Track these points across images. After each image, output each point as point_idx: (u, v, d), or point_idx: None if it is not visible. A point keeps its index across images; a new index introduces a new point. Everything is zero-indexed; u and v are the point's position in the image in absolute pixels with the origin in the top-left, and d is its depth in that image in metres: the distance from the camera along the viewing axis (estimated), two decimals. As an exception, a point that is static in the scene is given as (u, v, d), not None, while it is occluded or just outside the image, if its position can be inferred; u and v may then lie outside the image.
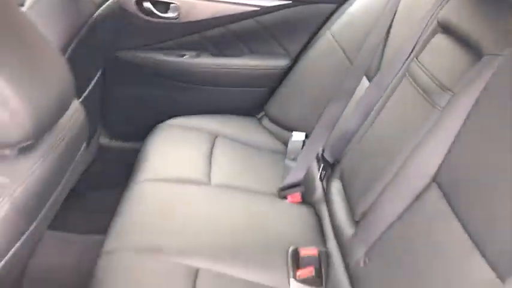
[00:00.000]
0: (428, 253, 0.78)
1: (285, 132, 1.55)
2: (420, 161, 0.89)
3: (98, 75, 1.57)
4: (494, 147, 0.75)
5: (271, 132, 1.60)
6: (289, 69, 1.60)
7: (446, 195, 0.81)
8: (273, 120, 1.62)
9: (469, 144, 0.81)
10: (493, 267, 0.64)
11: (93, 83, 1.53)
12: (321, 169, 1.25)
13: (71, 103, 0.65)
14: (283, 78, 1.61)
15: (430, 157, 0.87)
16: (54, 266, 1.19)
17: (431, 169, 0.85)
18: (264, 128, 1.63)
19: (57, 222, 1.37)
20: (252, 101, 1.66)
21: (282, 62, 1.60)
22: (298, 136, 1.47)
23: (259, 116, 1.69)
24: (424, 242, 0.81)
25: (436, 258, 0.76)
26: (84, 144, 0.77)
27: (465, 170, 0.79)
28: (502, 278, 0.61)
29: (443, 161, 0.84)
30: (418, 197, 0.86)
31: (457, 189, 0.79)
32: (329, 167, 1.24)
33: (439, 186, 0.83)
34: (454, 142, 0.83)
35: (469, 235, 0.71)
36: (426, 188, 0.85)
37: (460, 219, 0.75)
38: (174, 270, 0.96)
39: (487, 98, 0.80)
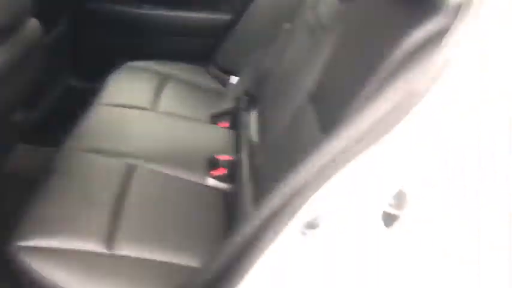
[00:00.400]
0: (294, 146, 1.08)
1: (226, 77, 1.83)
2: (303, 84, 1.18)
3: (67, 22, 1.82)
4: (345, 67, 1.04)
5: (215, 77, 1.88)
6: (233, 23, 1.88)
7: (315, 107, 1.09)
8: (218, 67, 1.89)
9: (331, 66, 1.09)
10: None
11: (62, 28, 1.78)
12: (246, 102, 1.54)
13: (26, 18, 0.92)
14: (227, 31, 1.89)
15: (309, 79, 1.15)
16: (24, 167, 1.47)
17: (309, 88, 1.14)
18: (210, 74, 1.91)
19: (30, 140, 1.64)
20: (201, 49, 1.94)
21: (226, 16, 1.88)
22: (235, 79, 1.75)
23: (207, 65, 1.96)
24: (295, 138, 1.10)
25: (298, 148, 1.05)
26: (38, 53, 1.04)
27: (327, 84, 1.08)
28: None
29: (316, 80, 1.13)
30: (298, 109, 1.15)
31: (321, 97, 1.08)
32: (252, 99, 1.53)
33: (312, 99, 1.12)
34: (323, 66, 1.12)
35: (320, 123, 1.00)
36: (304, 103, 1.14)
37: (319, 119, 1.04)
38: (116, 166, 1.24)
39: (345, 32, 1.09)
